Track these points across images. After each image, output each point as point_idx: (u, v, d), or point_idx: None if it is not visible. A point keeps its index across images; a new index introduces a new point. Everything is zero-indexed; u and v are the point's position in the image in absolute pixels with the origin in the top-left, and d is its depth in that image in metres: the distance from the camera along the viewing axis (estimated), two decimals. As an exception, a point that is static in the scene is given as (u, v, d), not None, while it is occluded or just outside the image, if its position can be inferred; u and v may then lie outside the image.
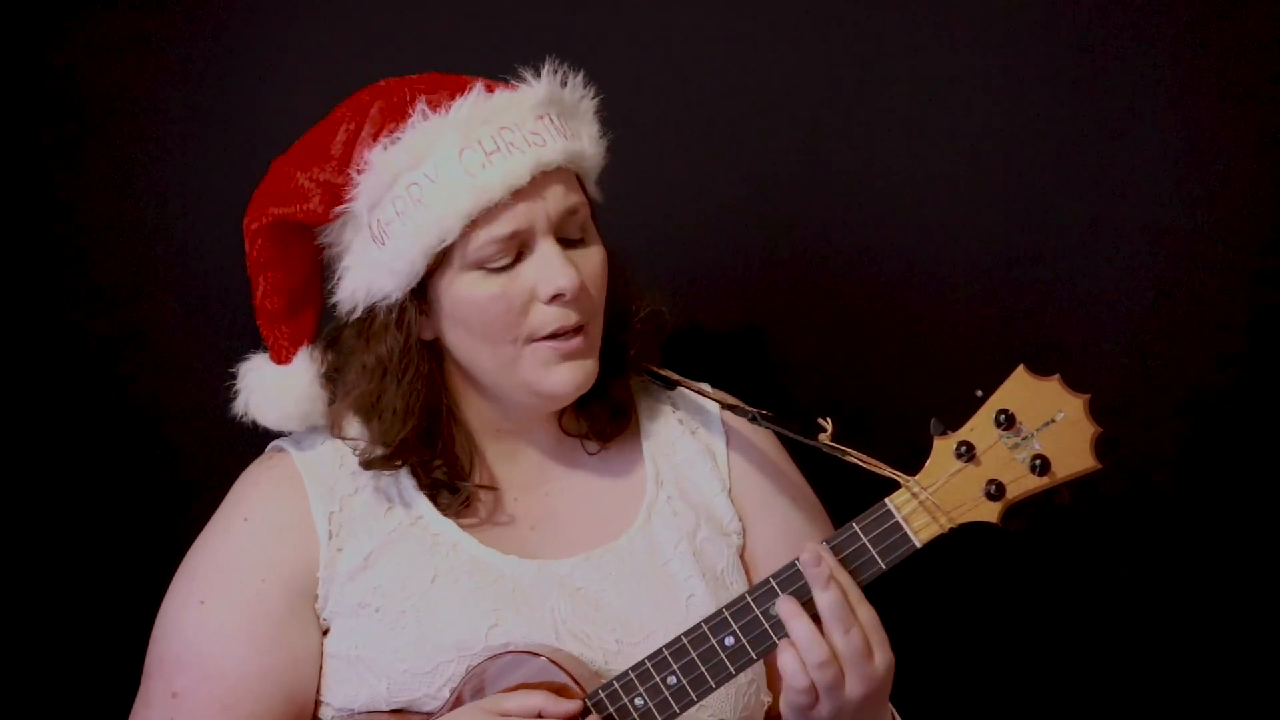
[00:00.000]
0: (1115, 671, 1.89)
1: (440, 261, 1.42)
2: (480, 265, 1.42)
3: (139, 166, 1.97)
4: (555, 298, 1.41)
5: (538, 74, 1.46)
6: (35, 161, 1.98)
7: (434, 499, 1.51)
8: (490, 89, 1.44)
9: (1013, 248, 1.83)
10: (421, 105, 1.41)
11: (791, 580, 1.35)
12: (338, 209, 1.44)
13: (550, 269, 1.41)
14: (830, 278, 1.88)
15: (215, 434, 1.57)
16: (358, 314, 1.48)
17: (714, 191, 1.90)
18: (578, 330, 1.44)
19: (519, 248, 1.42)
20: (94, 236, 1.99)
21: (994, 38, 1.81)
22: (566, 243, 1.44)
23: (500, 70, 1.48)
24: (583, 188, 1.49)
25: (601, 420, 1.56)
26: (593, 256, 1.46)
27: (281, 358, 1.53)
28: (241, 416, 1.53)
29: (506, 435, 1.55)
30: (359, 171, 1.42)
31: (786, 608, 1.33)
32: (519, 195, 1.39)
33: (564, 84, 1.47)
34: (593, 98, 1.50)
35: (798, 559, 1.34)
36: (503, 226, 1.40)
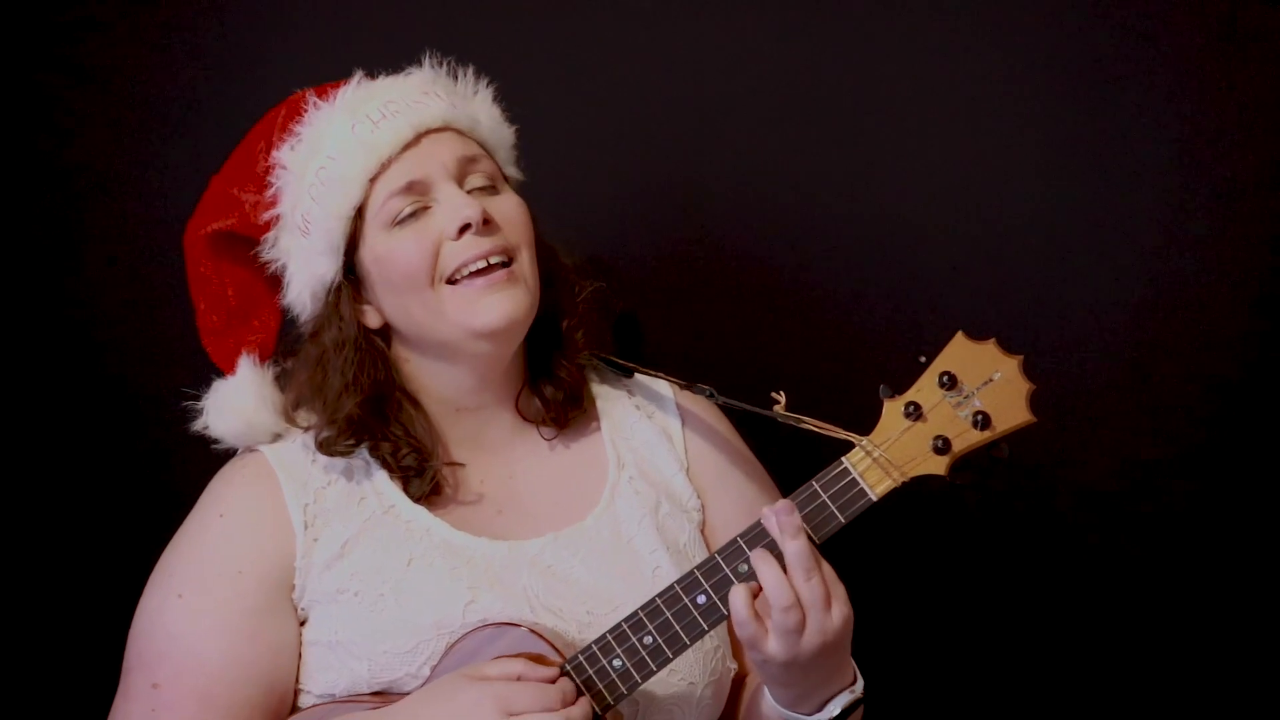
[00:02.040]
0: (1104, 662, 1.96)
1: (357, 231, 1.53)
2: (391, 222, 1.51)
3: (139, 164, 2.00)
4: (462, 230, 1.50)
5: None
6: (34, 160, 2.00)
7: (405, 487, 1.56)
8: (374, 78, 1.57)
9: (961, 225, 1.91)
10: (312, 99, 1.54)
11: (757, 539, 1.43)
12: (268, 214, 1.56)
13: (452, 205, 1.51)
14: (779, 258, 1.95)
15: (194, 432, 1.59)
16: (307, 313, 1.57)
17: (663, 174, 1.96)
18: (503, 264, 1.51)
19: (423, 200, 1.52)
20: (92, 235, 2.01)
21: (987, 31, 1.88)
22: (476, 192, 1.54)
23: (488, 70, 1.59)
24: (492, 159, 1.59)
25: (555, 405, 1.62)
26: (506, 201, 1.56)
27: (230, 369, 1.60)
28: (205, 432, 1.59)
29: (467, 417, 1.60)
30: (276, 176, 1.54)
31: (759, 554, 1.40)
32: (409, 149, 1.51)
33: (455, 78, 1.60)
34: (487, 86, 1.61)
35: (770, 510, 1.41)
36: (398, 178, 1.51)
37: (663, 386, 1.68)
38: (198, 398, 1.59)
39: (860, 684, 1.46)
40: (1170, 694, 1.94)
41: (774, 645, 1.38)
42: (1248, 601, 1.91)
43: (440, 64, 1.59)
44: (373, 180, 1.51)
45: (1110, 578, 1.94)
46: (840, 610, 1.39)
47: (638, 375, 1.68)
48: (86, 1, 1.98)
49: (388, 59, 1.59)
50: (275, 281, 1.61)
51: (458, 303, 1.50)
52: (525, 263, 1.54)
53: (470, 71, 1.61)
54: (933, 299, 1.90)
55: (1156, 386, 1.90)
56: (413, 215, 1.51)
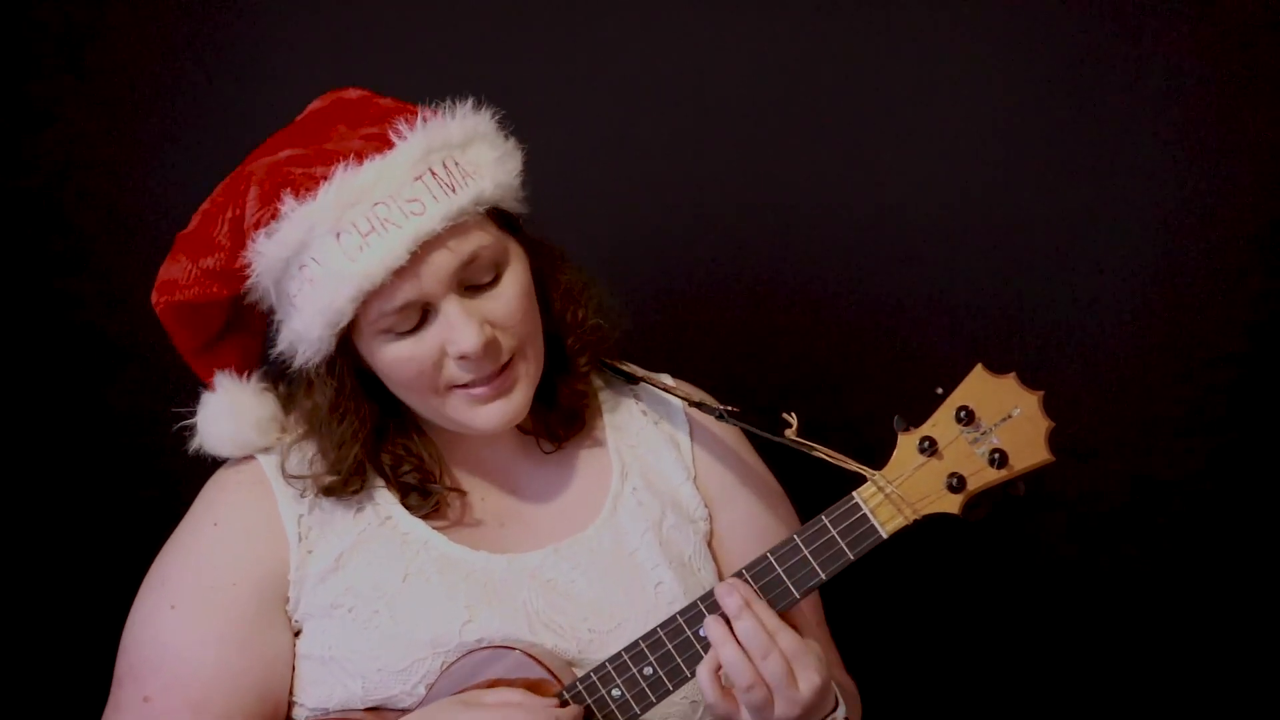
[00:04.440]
0: (1087, 673, 1.95)
1: (352, 326, 1.42)
2: (386, 331, 1.42)
3: (137, 167, 1.96)
4: (462, 358, 1.42)
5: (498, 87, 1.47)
6: (34, 158, 1.96)
7: (403, 500, 1.53)
8: (360, 158, 1.38)
9: (980, 249, 1.87)
10: (288, 197, 1.38)
11: (763, 573, 1.40)
12: (240, 285, 1.44)
13: (453, 329, 1.41)
14: (797, 276, 1.91)
15: (186, 440, 1.55)
16: (297, 363, 1.47)
17: (681, 192, 1.92)
18: (501, 369, 1.44)
19: (422, 310, 1.41)
20: (91, 235, 1.98)
21: (987, 33, 1.84)
22: (476, 288, 1.43)
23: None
24: (496, 214, 1.46)
25: (554, 423, 1.58)
26: (505, 294, 1.44)
27: (210, 385, 1.54)
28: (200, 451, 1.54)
29: (468, 439, 1.57)
30: (250, 256, 1.42)
31: (716, 631, 1.36)
32: (402, 273, 1.37)
33: (452, 117, 1.43)
34: (492, 117, 1.46)
35: (715, 590, 1.39)
36: (393, 301, 1.39)
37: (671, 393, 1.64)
38: (191, 412, 1.54)
39: (842, 709, 1.43)
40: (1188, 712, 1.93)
41: (747, 718, 1.36)
42: (1262, 616, 1.89)
43: (433, 110, 1.42)
44: (364, 302, 1.39)
45: (1116, 595, 1.93)
46: (808, 681, 1.35)
47: (645, 382, 1.63)
48: (85, 8, 1.93)
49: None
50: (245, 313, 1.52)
51: (456, 406, 1.46)
52: (528, 355, 1.47)
53: (469, 106, 1.44)
54: (951, 317, 1.87)
55: (1162, 394, 1.88)
56: (410, 328, 1.42)
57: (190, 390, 1.56)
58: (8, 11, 1.90)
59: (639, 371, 1.63)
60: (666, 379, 1.64)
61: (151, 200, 1.95)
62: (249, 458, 1.54)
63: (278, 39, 1.92)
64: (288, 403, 1.53)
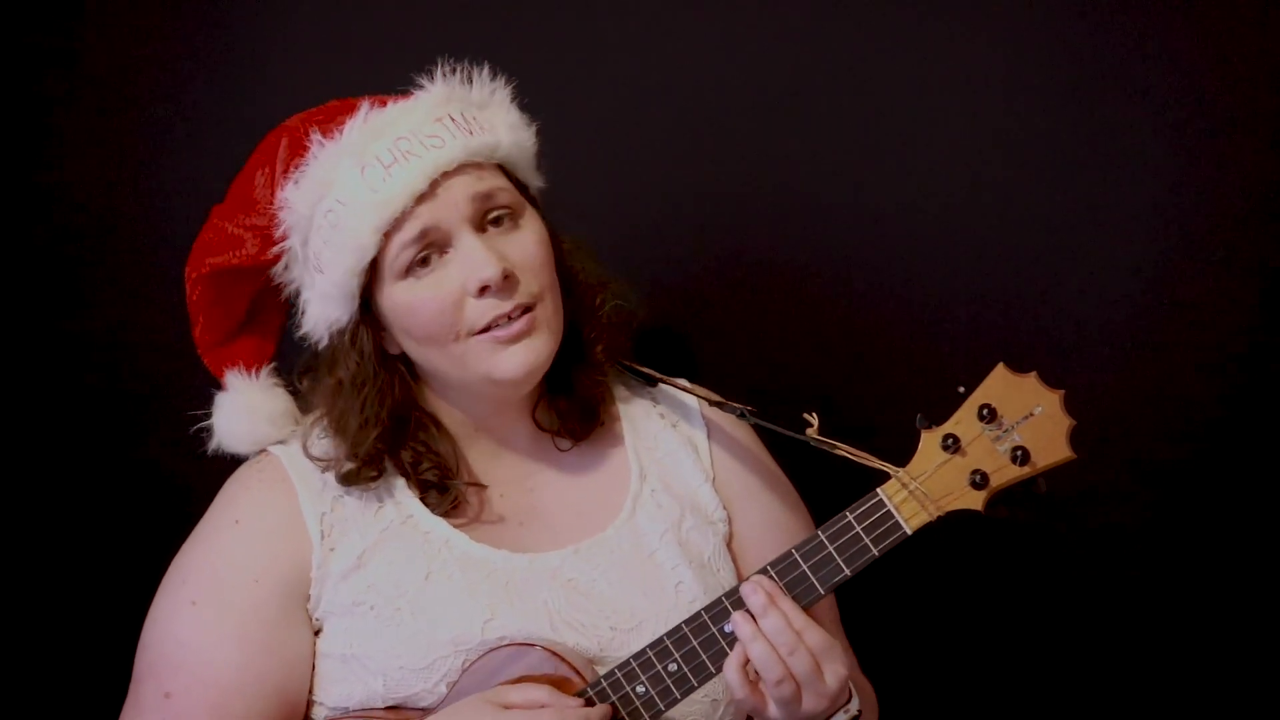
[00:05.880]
0: (1107, 671, 1.95)
1: (374, 277, 1.46)
2: (406, 272, 1.45)
3: (142, 167, 1.96)
4: (483, 290, 1.44)
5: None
6: (34, 159, 1.96)
7: (423, 499, 1.54)
8: (384, 103, 1.47)
9: (997, 247, 1.88)
10: (316, 136, 1.45)
11: (788, 570, 1.42)
12: (274, 250, 1.50)
13: (471, 262, 1.44)
14: (815, 275, 1.91)
15: (203, 438, 1.57)
16: (323, 344, 1.52)
17: (700, 185, 1.92)
18: (524, 311, 1.46)
19: (440, 247, 1.45)
20: (92, 236, 1.97)
21: (988, 33, 1.85)
22: (493, 228, 1.47)
23: (502, 66, 1.53)
24: (512, 176, 1.51)
25: (571, 417, 1.59)
26: (524, 238, 1.48)
27: (223, 383, 1.58)
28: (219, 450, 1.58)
29: (486, 435, 1.58)
30: (281, 211, 1.47)
31: (744, 629, 1.39)
32: (423, 199, 1.43)
33: (470, 82, 1.51)
34: (505, 86, 1.53)
35: (741, 589, 1.41)
36: (410, 229, 1.43)
37: (688, 395, 1.65)
38: (207, 414, 1.57)
39: (855, 702, 1.45)
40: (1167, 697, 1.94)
41: (775, 711, 1.39)
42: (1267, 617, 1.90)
43: (453, 70, 1.50)
44: (386, 234, 1.44)
45: (1117, 594, 1.94)
46: (834, 674, 1.39)
47: (662, 384, 1.64)
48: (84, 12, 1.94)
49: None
50: (280, 292, 1.55)
51: (479, 354, 1.46)
52: (548, 305, 1.48)
53: (485, 72, 1.52)
54: (971, 317, 1.87)
55: (1169, 392, 1.89)
56: (429, 263, 1.45)
57: (205, 390, 1.57)
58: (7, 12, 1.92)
59: (656, 374, 1.64)
60: (683, 382, 1.65)
61: (156, 202, 1.96)
62: (269, 456, 1.55)
63: (280, 38, 1.94)
64: (309, 392, 1.55)
